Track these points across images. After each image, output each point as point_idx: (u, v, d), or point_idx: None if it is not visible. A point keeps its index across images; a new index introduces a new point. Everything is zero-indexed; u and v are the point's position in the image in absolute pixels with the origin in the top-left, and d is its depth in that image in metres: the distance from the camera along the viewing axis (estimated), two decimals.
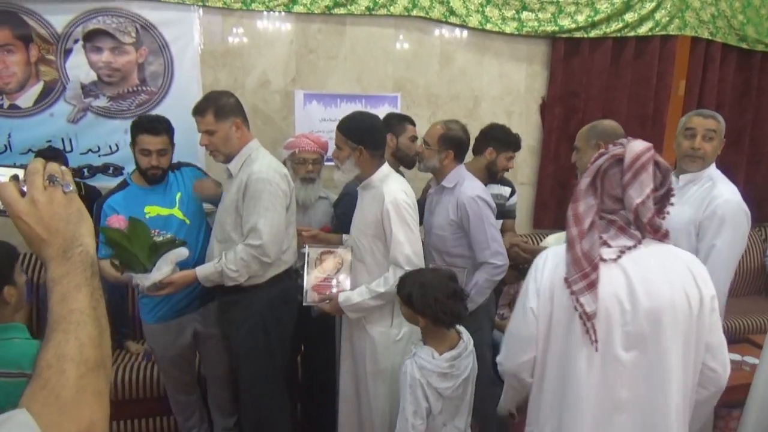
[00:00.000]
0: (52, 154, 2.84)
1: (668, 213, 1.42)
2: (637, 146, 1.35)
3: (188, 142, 2.78)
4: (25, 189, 0.80)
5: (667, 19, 3.68)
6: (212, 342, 2.58)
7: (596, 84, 3.72)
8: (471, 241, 2.41)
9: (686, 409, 1.39)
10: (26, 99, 3.02)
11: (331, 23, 3.32)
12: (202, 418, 2.79)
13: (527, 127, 3.80)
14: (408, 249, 2.12)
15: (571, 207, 1.40)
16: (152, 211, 2.40)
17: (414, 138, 2.85)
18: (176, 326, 2.48)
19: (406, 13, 3.35)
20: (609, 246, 1.36)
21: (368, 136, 2.19)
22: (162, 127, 2.38)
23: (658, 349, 1.32)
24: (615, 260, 1.34)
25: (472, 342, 1.97)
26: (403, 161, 2.84)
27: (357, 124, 2.21)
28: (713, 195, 2.16)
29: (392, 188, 2.17)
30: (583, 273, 1.33)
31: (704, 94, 3.96)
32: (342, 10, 3.26)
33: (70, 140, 3.08)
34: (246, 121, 2.35)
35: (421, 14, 3.37)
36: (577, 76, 3.70)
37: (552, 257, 1.44)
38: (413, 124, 2.92)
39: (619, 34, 3.65)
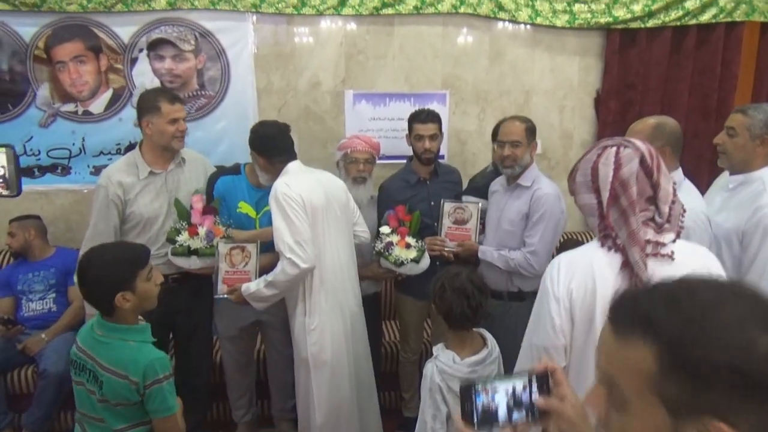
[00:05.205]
0: None
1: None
2: (641, 143, 1.37)
3: (244, 143, 2.90)
4: None
5: (733, 4, 3.48)
6: (274, 329, 2.72)
7: (654, 75, 3.58)
8: (529, 231, 2.47)
9: None
10: (98, 105, 3.27)
11: (379, 24, 3.37)
12: (251, 402, 2.94)
13: (581, 121, 3.71)
14: (288, 237, 2.21)
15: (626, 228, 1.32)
16: (244, 207, 2.60)
17: (419, 137, 2.74)
18: (240, 309, 2.58)
19: (454, 11, 3.35)
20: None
21: (259, 147, 2.40)
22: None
23: None
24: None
25: (497, 349, 1.93)
26: (419, 159, 2.81)
27: (253, 135, 2.44)
28: (760, 203, 1.95)
29: (277, 183, 2.30)
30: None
31: None
32: (390, 11, 3.31)
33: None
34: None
35: (469, 11, 3.36)
36: (633, 68, 3.57)
37: (565, 265, 1.38)
38: (427, 121, 2.75)
39: (679, 23, 3.49)
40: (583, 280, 1.34)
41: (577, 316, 1.34)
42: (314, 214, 2.31)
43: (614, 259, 1.33)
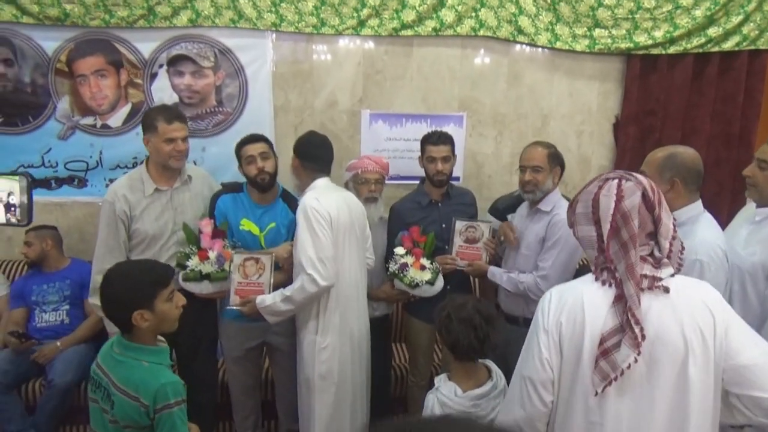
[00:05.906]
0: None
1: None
2: (643, 177, 1.36)
3: None
4: None
5: (757, 32, 3.43)
6: (282, 352, 2.67)
7: (675, 102, 3.54)
8: (542, 255, 2.43)
9: None
10: (116, 119, 3.30)
11: (398, 45, 3.37)
12: (258, 423, 2.89)
13: (599, 146, 3.67)
14: (312, 252, 2.21)
15: (624, 261, 1.30)
16: (246, 225, 2.57)
17: (431, 158, 2.70)
18: (247, 330, 2.59)
19: (473, 33, 3.34)
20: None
21: (302, 149, 2.47)
22: (259, 136, 2.61)
23: (672, 387, 1.26)
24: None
25: (503, 381, 1.86)
26: (431, 180, 2.77)
27: (299, 139, 2.52)
28: None
29: (306, 197, 2.33)
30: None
31: None
32: (409, 32, 3.31)
33: None
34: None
35: (488, 34, 3.35)
36: (654, 94, 3.53)
37: (556, 297, 1.38)
38: (439, 143, 2.70)
39: (701, 50, 3.45)
40: (572, 314, 1.33)
41: (566, 349, 1.33)
42: (338, 233, 2.32)
43: (607, 294, 1.32)
